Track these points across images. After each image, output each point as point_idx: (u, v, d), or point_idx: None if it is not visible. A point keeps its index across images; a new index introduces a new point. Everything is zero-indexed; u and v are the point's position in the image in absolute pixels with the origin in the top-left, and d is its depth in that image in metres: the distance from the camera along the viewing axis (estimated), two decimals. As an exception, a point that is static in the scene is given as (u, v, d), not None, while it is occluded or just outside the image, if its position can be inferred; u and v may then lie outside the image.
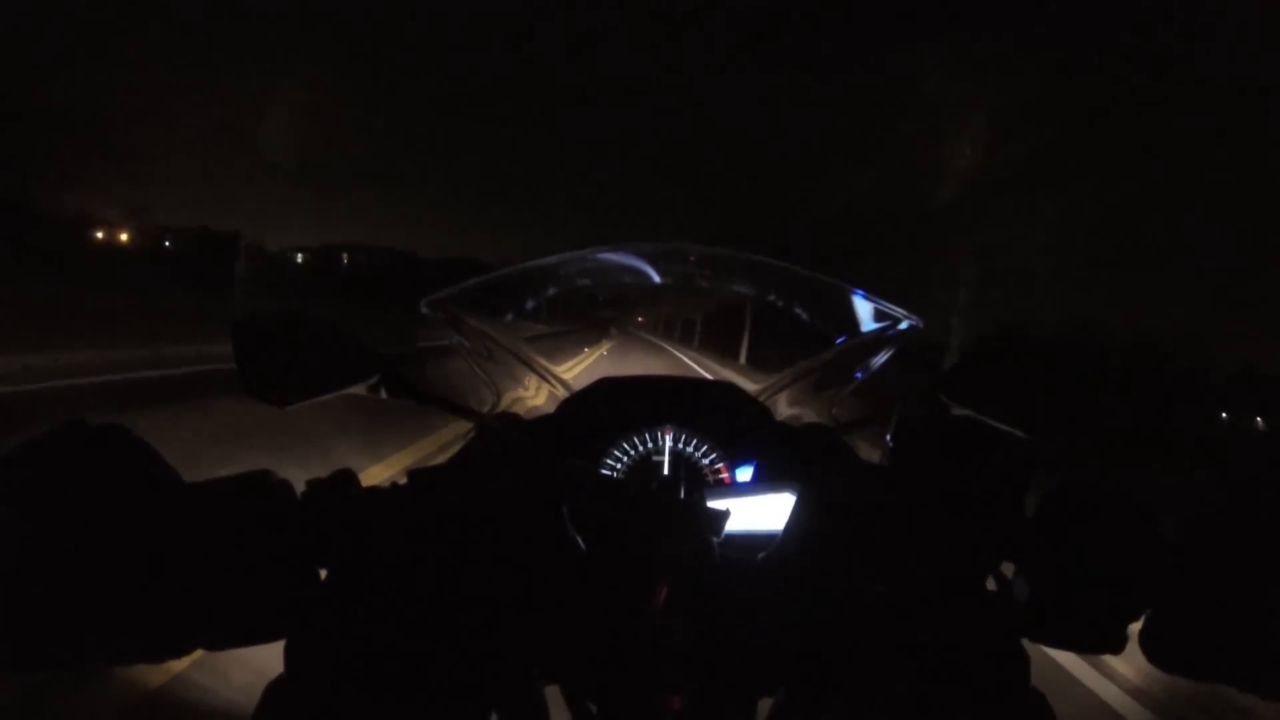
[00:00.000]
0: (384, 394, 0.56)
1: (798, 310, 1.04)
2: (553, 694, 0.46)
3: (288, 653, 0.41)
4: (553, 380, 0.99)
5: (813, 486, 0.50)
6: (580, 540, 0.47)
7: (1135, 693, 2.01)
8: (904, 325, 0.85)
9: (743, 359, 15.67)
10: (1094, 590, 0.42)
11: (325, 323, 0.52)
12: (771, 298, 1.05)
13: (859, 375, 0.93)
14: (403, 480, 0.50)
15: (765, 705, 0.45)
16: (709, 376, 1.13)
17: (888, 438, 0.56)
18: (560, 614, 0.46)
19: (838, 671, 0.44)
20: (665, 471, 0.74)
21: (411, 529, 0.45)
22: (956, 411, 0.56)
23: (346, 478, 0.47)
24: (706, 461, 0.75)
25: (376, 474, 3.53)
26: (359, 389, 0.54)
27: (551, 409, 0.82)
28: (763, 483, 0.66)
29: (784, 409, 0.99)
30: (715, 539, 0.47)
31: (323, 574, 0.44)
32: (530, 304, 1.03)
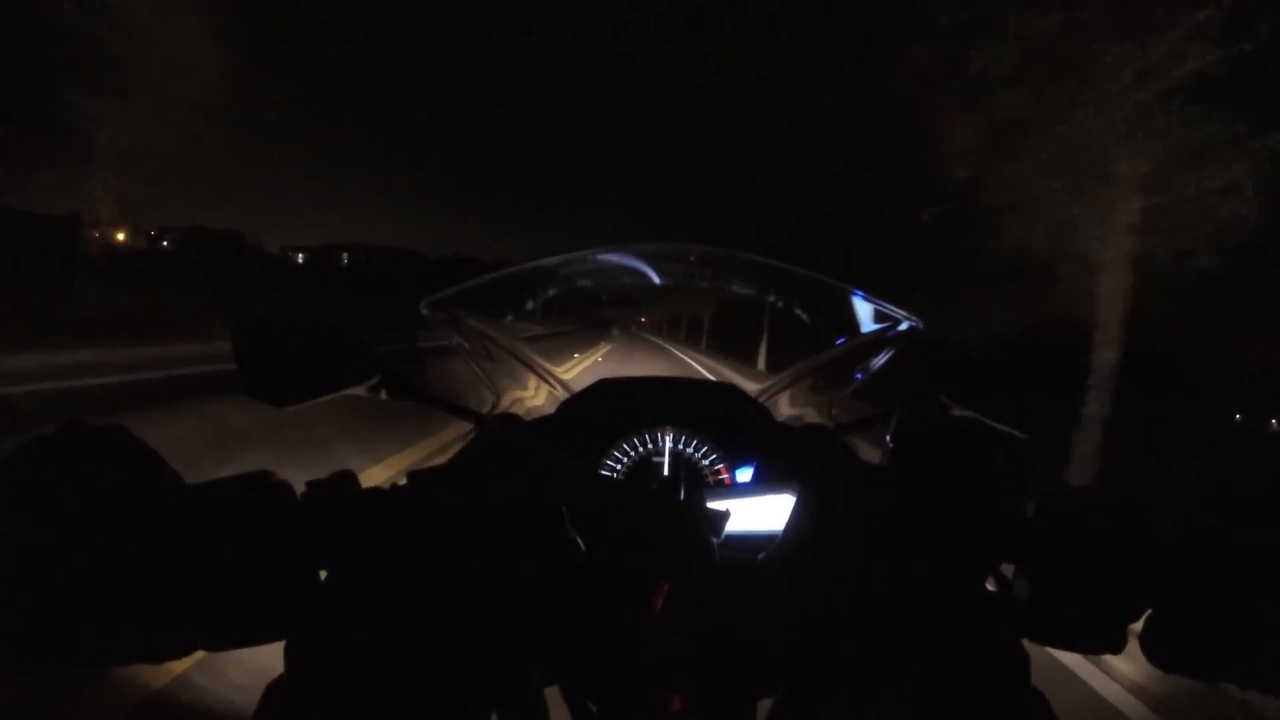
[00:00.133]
0: (384, 394, 0.56)
1: (798, 311, 1.04)
2: (553, 694, 0.46)
3: (288, 653, 0.41)
4: (552, 381, 0.99)
5: (813, 487, 0.50)
6: (580, 541, 0.47)
7: (1136, 690, 2.01)
8: (904, 326, 0.85)
9: (761, 364, 13.15)
10: (1094, 590, 0.42)
11: (325, 323, 0.52)
12: (772, 298, 1.05)
13: (859, 376, 0.93)
14: (402, 481, 0.50)
15: (765, 705, 0.45)
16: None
17: (888, 438, 0.56)
18: (560, 614, 0.46)
19: (838, 671, 0.44)
20: (665, 472, 0.74)
21: (411, 530, 0.45)
22: (956, 411, 0.57)
23: (346, 479, 0.47)
24: (706, 462, 0.75)
25: (376, 475, 3.53)
26: (359, 389, 0.54)
27: (551, 410, 0.82)
28: (763, 483, 0.66)
29: (784, 409, 1.00)
30: (715, 539, 0.47)
31: (323, 574, 0.44)
32: (530, 304, 1.03)
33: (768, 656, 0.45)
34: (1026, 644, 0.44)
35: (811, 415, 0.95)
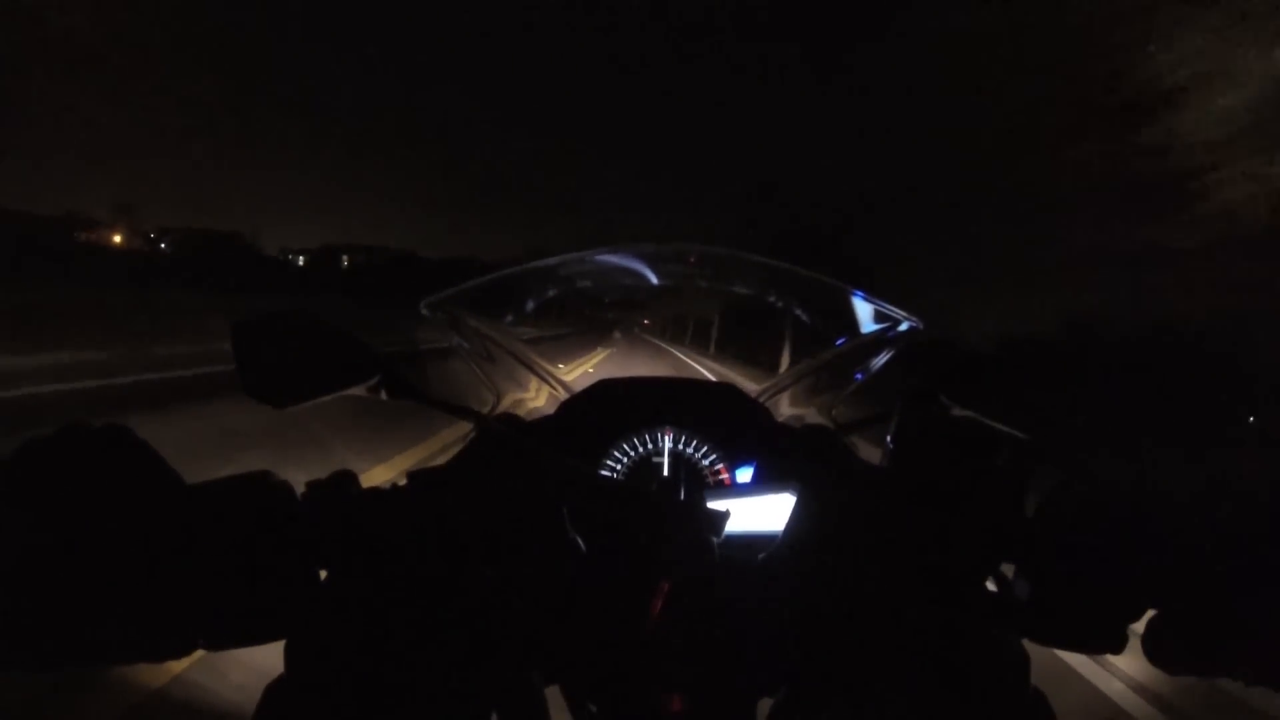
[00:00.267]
0: (384, 395, 0.56)
1: (798, 311, 1.04)
2: (553, 694, 0.46)
3: (288, 653, 0.41)
4: (552, 382, 0.99)
5: (813, 487, 0.50)
6: (580, 541, 0.47)
7: (1138, 688, 2.01)
8: (904, 326, 0.85)
9: (784, 370, 12.31)
10: (1094, 590, 0.42)
11: (325, 323, 0.52)
12: (772, 298, 1.05)
13: (859, 376, 0.93)
14: (403, 481, 0.50)
15: (765, 705, 0.45)
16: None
17: (888, 438, 0.56)
18: (560, 614, 0.46)
19: (838, 671, 0.44)
20: (665, 472, 0.74)
21: (411, 530, 0.45)
22: (956, 411, 0.57)
23: (346, 479, 0.47)
24: (706, 462, 0.75)
25: (377, 475, 3.53)
26: (359, 390, 0.54)
27: (551, 410, 0.82)
28: (763, 483, 0.66)
29: (784, 410, 1.00)
30: (715, 539, 0.47)
31: (323, 574, 0.44)
32: (531, 306, 1.03)
33: (768, 656, 0.45)
34: (1027, 642, 0.44)
35: (812, 415, 0.95)
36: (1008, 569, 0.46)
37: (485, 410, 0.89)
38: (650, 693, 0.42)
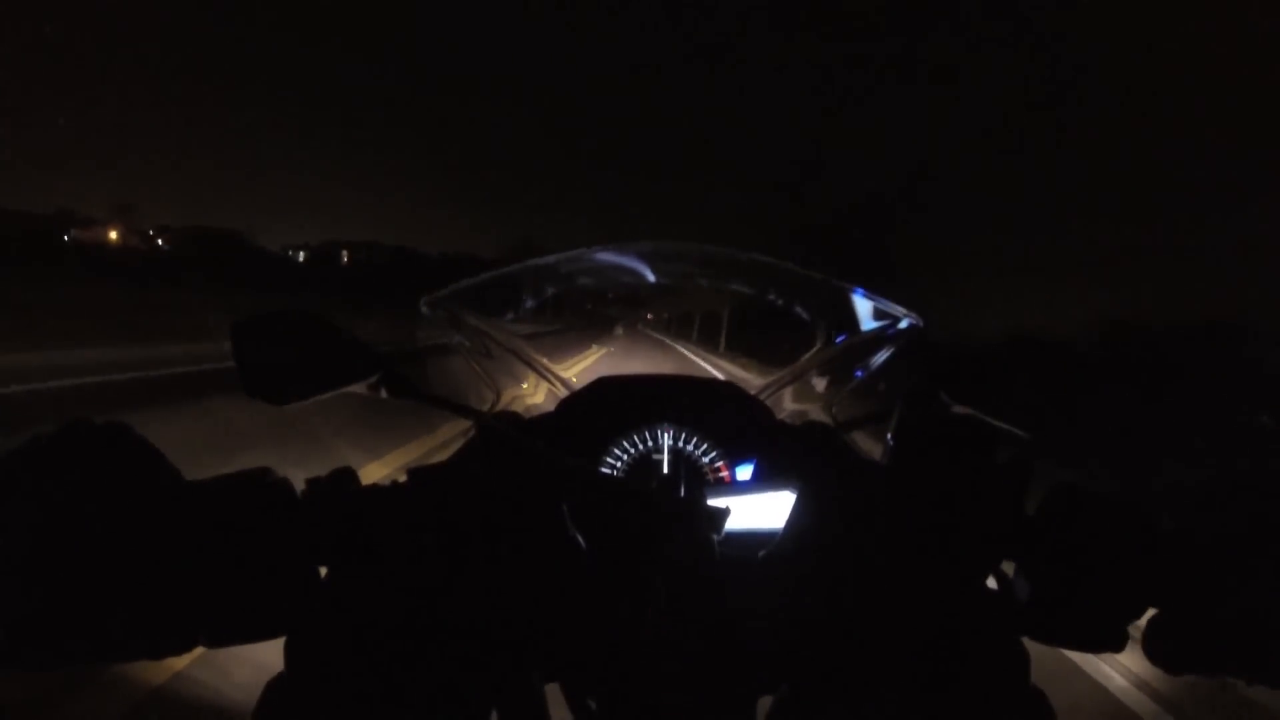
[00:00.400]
0: (384, 393, 0.56)
1: (799, 309, 1.04)
2: (553, 694, 0.46)
3: (288, 650, 0.41)
4: (552, 379, 0.99)
5: (813, 485, 0.50)
6: (580, 539, 0.47)
7: (1140, 684, 2.02)
8: (904, 324, 0.85)
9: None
10: (1094, 589, 0.42)
11: (325, 322, 0.52)
12: (772, 296, 1.05)
13: (859, 374, 0.93)
14: (402, 478, 0.50)
15: (765, 705, 0.45)
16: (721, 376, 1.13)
17: (888, 436, 0.56)
18: (560, 613, 0.46)
19: (838, 671, 0.44)
20: (665, 470, 0.74)
21: (411, 527, 0.45)
22: (957, 410, 0.56)
23: (346, 476, 0.47)
24: (706, 460, 0.75)
25: (376, 472, 3.53)
26: (359, 388, 0.54)
27: (551, 408, 0.82)
28: (763, 481, 0.66)
29: (785, 407, 0.99)
30: (715, 537, 0.47)
31: (323, 571, 0.44)
32: (531, 303, 1.03)
33: (768, 655, 0.45)
34: (1027, 640, 0.44)
35: (812, 413, 0.95)
36: (1008, 567, 0.46)
37: (485, 408, 0.89)
38: (650, 693, 0.42)
